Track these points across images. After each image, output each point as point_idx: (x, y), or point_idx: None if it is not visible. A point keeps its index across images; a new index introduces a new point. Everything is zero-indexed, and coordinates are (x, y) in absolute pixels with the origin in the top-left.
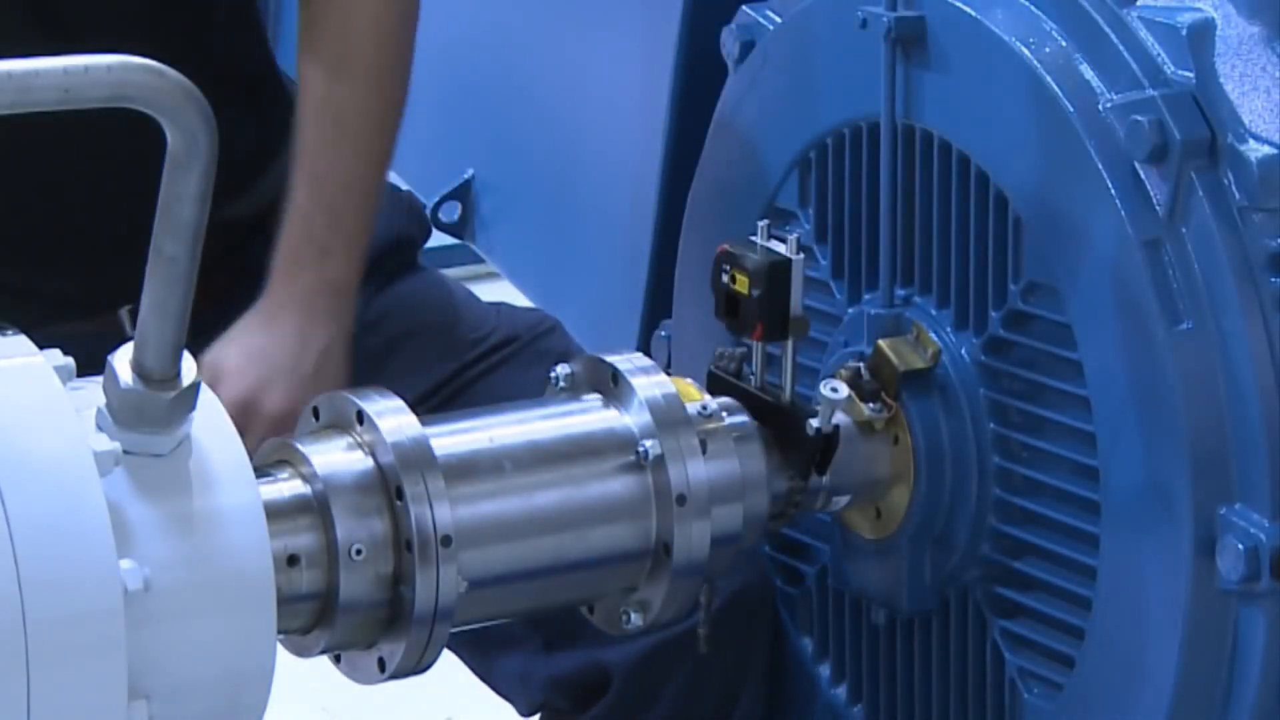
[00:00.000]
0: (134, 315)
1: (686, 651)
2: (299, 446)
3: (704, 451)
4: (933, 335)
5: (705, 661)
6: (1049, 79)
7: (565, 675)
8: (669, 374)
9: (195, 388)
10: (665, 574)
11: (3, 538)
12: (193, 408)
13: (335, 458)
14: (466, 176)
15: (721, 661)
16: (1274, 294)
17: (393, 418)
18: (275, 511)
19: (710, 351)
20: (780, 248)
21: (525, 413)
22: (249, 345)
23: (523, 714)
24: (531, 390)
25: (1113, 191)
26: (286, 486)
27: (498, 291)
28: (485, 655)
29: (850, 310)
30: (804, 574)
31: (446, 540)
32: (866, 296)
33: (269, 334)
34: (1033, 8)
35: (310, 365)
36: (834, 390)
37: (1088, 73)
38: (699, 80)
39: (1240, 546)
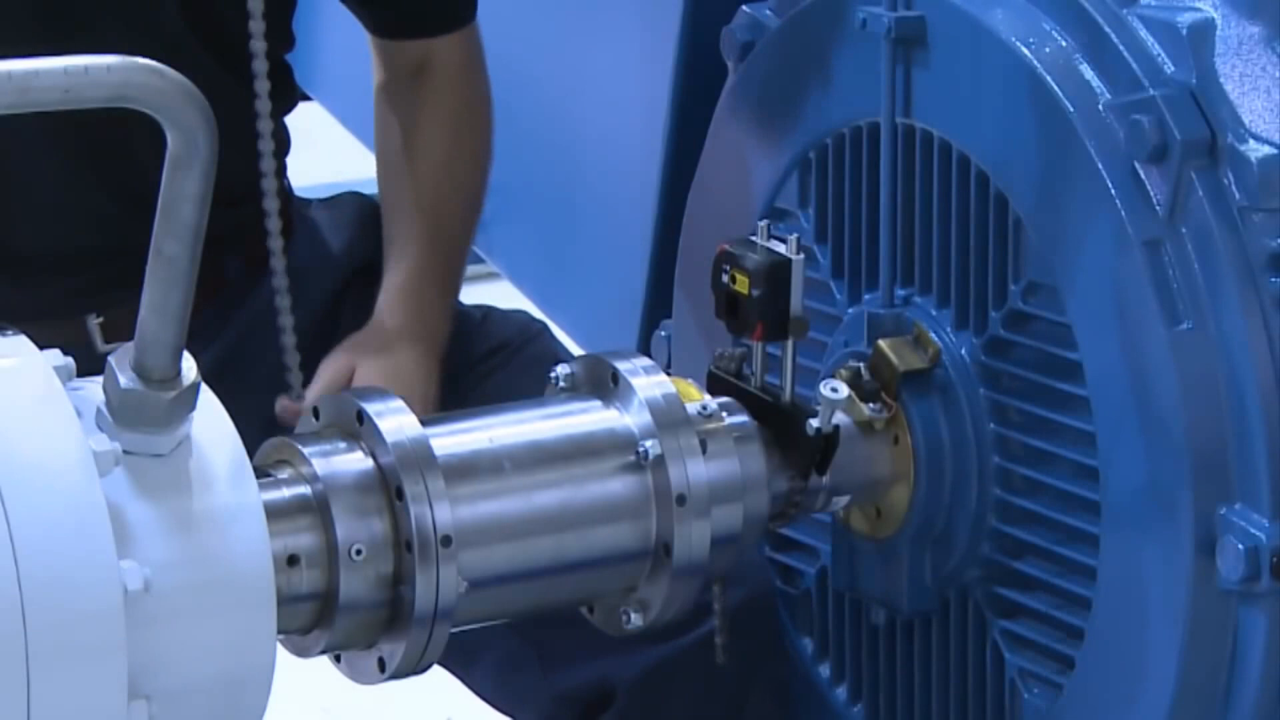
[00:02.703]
0: (104, 326)
1: (691, 665)
2: (299, 446)
3: (704, 451)
4: (933, 335)
5: (712, 674)
6: (1049, 79)
7: (569, 691)
8: (669, 374)
9: (195, 388)
10: (665, 574)
11: (3, 538)
12: (193, 408)
13: (335, 458)
14: None
15: (728, 673)
16: (1274, 294)
17: (393, 418)
18: (275, 511)
19: (710, 351)
20: (780, 248)
21: (525, 413)
22: (382, 365)
23: None
24: (526, 396)
25: (1113, 191)
26: (286, 486)
27: (498, 291)
28: (485, 673)
29: (850, 310)
30: (804, 574)
31: (446, 540)
32: (866, 296)
33: (396, 357)
34: (1033, 8)
35: (434, 391)
36: (834, 390)
37: (1088, 73)
38: (699, 80)
39: (1240, 546)
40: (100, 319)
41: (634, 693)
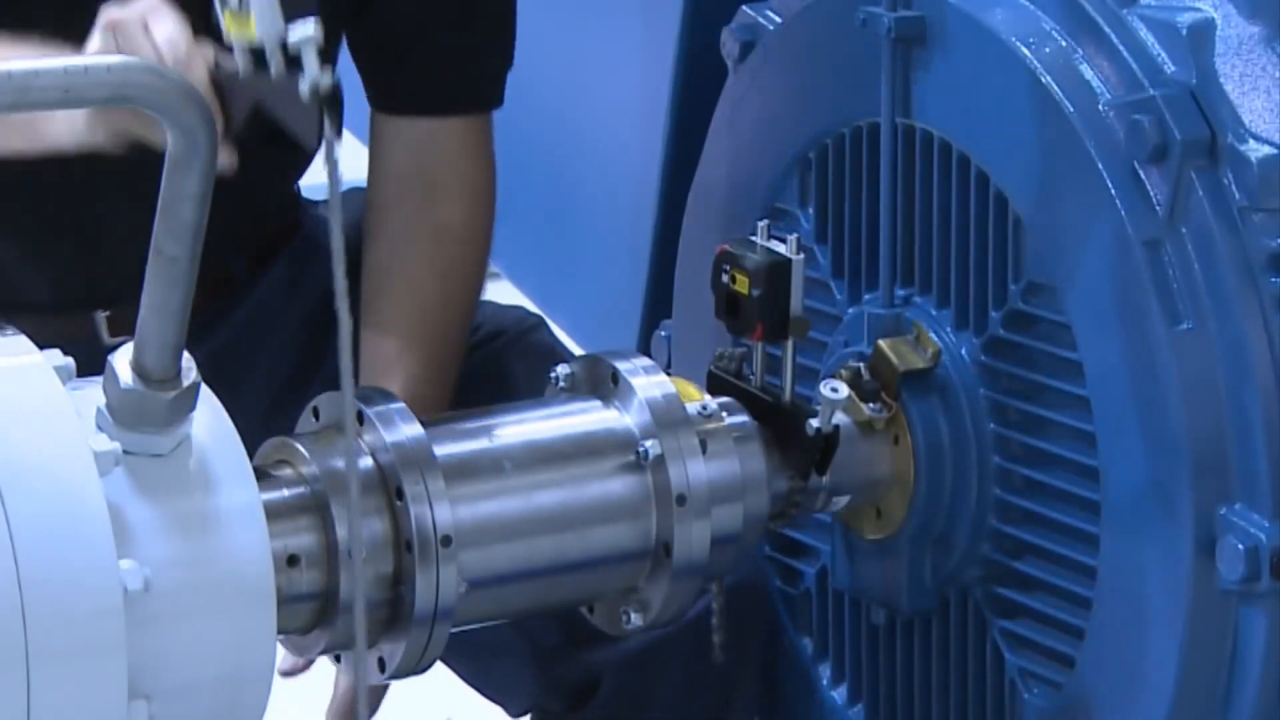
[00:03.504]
0: (111, 320)
1: (675, 653)
2: (299, 446)
3: (704, 451)
4: (933, 335)
5: (698, 662)
6: (1049, 79)
7: (555, 677)
8: (669, 374)
9: (195, 388)
10: (665, 574)
11: (3, 538)
12: (193, 408)
13: (335, 458)
14: None
15: (717, 659)
16: (1274, 294)
17: (393, 418)
18: (275, 511)
19: (710, 351)
20: (780, 248)
21: (525, 413)
22: None
23: (513, 715)
24: (520, 383)
25: (1113, 191)
26: (286, 486)
27: (498, 292)
28: (473, 660)
29: (850, 310)
30: (804, 574)
31: (446, 540)
32: (866, 296)
33: None
34: (1033, 8)
35: None
36: (834, 390)
37: (1088, 73)
38: (699, 80)
39: (1240, 546)
40: (107, 313)
41: (619, 678)
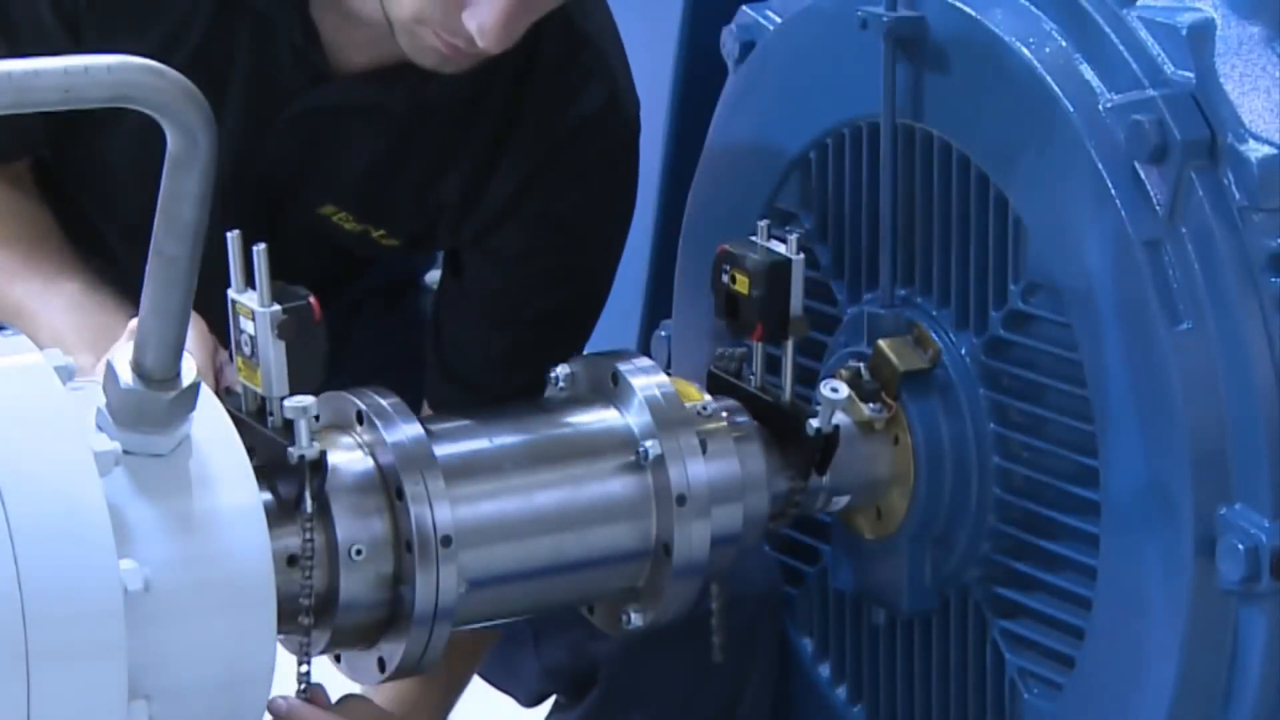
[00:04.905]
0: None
1: (669, 644)
2: None
3: (704, 451)
4: (933, 335)
5: (702, 658)
6: (1049, 79)
7: (555, 666)
8: (669, 374)
9: (195, 388)
10: (665, 574)
11: (3, 538)
12: (193, 408)
13: (335, 458)
14: None
15: (721, 651)
16: (1274, 294)
17: (393, 418)
18: (275, 511)
19: (710, 351)
20: (780, 248)
21: (525, 413)
22: None
23: (525, 705)
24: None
25: (1113, 191)
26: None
27: None
28: None
29: (850, 310)
30: (804, 574)
31: (446, 540)
32: (866, 296)
33: None
34: (1033, 8)
35: None
36: (834, 390)
37: (1088, 73)
38: (699, 80)
39: (1240, 546)
40: None
41: (614, 669)
